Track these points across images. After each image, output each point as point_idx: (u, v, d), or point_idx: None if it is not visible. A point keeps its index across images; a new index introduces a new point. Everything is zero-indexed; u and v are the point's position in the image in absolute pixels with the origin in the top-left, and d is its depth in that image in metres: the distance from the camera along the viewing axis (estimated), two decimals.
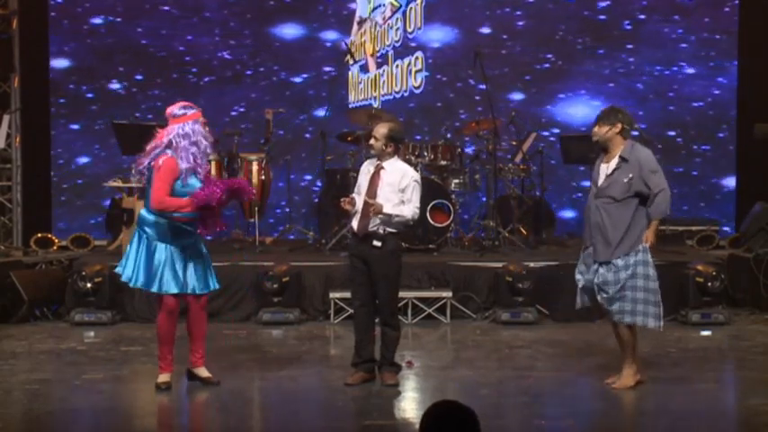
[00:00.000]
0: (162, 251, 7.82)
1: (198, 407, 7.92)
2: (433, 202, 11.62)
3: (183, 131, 7.85)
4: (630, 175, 7.84)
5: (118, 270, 8.01)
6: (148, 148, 7.98)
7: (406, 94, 13.74)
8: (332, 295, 10.78)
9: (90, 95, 13.67)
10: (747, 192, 13.21)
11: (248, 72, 13.75)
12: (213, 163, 12.01)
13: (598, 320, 9.73)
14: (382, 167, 8.17)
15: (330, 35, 13.81)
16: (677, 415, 7.59)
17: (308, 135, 13.59)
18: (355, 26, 13.82)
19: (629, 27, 13.70)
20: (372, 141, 8.23)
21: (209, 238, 8.51)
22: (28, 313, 10.83)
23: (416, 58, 13.65)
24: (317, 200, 12.95)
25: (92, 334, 10.32)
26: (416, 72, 13.66)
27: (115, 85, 13.66)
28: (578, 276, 8.11)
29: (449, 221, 11.78)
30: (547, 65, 13.75)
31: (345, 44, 13.42)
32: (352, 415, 7.72)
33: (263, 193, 12.26)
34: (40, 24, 13.40)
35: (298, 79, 13.79)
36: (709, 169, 13.84)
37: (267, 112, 12.60)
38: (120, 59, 13.63)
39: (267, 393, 8.35)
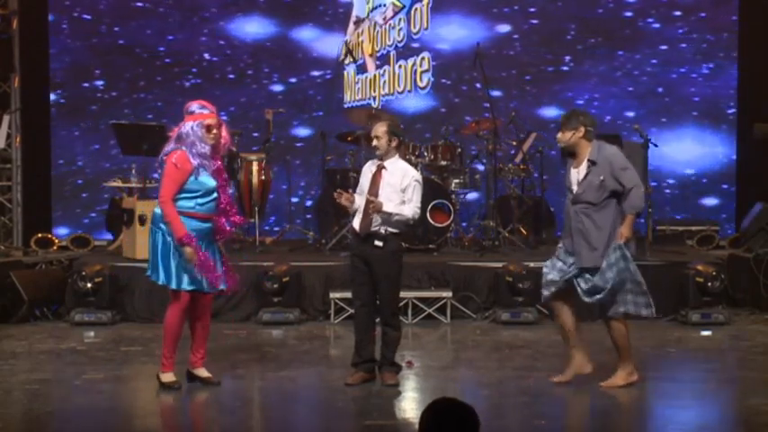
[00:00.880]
0: (176, 248, 7.81)
1: (198, 407, 7.91)
2: (433, 202, 11.62)
3: (185, 130, 7.85)
4: (602, 177, 7.84)
5: (147, 274, 8.03)
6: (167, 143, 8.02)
7: (410, 94, 13.72)
8: (332, 295, 10.78)
9: (90, 95, 13.65)
10: (747, 192, 13.21)
11: (249, 72, 13.74)
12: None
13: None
14: (384, 167, 8.17)
15: (330, 35, 13.80)
16: (677, 415, 7.59)
17: (308, 135, 13.57)
18: (352, 26, 13.80)
19: (629, 27, 13.69)
20: (375, 142, 8.21)
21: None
22: (28, 313, 10.82)
23: (422, 58, 13.64)
24: (316, 200, 12.95)
25: (92, 334, 10.32)
26: (422, 73, 13.64)
27: (115, 85, 13.64)
28: (545, 270, 8.10)
29: (449, 221, 11.79)
30: (547, 66, 13.73)
31: (345, 44, 13.42)
32: (352, 415, 7.72)
33: (263, 193, 12.26)
34: (40, 24, 13.40)
35: (298, 79, 13.77)
36: (710, 169, 13.83)
37: (267, 112, 12.60)
38: (121, 59, 13.62)
39: (267, 393, 8.35)
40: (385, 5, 13.71)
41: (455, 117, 13.30)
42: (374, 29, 13.77)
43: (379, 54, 13.75)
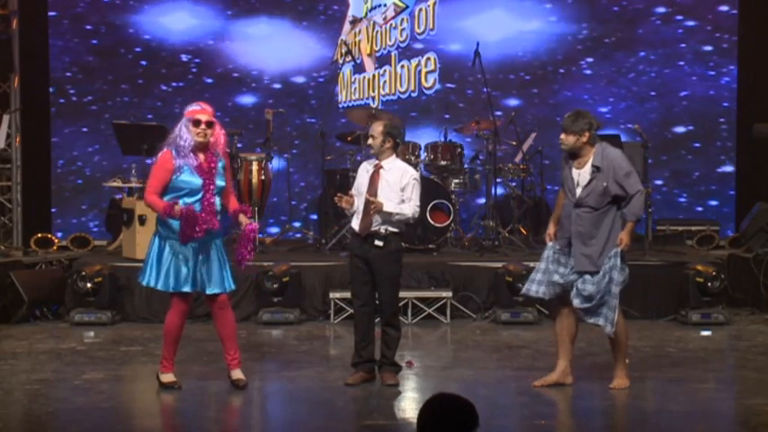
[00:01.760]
0: (171, 249, 7.79)
1: (198, 407, 7.91)
2: (433, 202, 11.63)
3: (177, 127, 7.87)
4: (605, 184, 7.81)
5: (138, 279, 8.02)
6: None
7: (414, 95, 13.70)
8: (332, 295, 10.78)
9: (90, 95, 13.65)
10: (747, 192, 13.21)
11: (249, 72, 13.74)
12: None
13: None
14: (381, 167, 8.17)
15: (329, 35, 13.80)
16: (677, 415, 7.59)
17: (307, 135, 13.57)
18: (347, 25, 13.78)
19: (628, 27, 13.68)
20: (370, 140, 8.23)
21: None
22: (28, 313, 10.82)
23: (428, 58, 13.63)
24: (317, 200, 12.95)
25: (92, 334, 10.32)
26: (427, 73, 13.63)
27: (115, 85, 13.64)
28: (540, 276, 8.05)
29: (449, 221, 11.79)
30: (548, 66, 13.73)
31: (345, 44, 13.42)
32: (352, 415, 7.72)
33: (263, 193, 12.26)
34: (40, 24, 13.39)
35: (297, 79, 13.77)
36: (709, 169, 13.83)
37: (267, 112, 12.61)
38: (121, 59, 13.62)
39: (267, 393, 8.35)
40: (385, 5, 13.70)
41: (461, 118, 13.30)
42: (373, 29, 13.76)
43: (378, 54, 13.74)
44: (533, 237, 12.40)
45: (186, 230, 7.71)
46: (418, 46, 13.67)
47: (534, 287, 8.11)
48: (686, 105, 13.74)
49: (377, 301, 8.23)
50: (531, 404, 7.84)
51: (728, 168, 13.77)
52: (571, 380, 8.14)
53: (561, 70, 13.72)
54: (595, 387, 8.16)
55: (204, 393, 8.07)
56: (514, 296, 10.68)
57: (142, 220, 11.13)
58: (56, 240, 12.68)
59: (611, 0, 13.70)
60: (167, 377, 8.02)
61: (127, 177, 12.44)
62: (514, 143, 12.69)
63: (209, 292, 7.88)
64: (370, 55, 13.78)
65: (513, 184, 12.62)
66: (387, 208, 8.02)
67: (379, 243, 8.06)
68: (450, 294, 10.85)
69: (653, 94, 13.71)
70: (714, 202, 13.82)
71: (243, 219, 7.97)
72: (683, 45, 13.70)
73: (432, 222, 11.63)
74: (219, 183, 7.84)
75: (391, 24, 13.69)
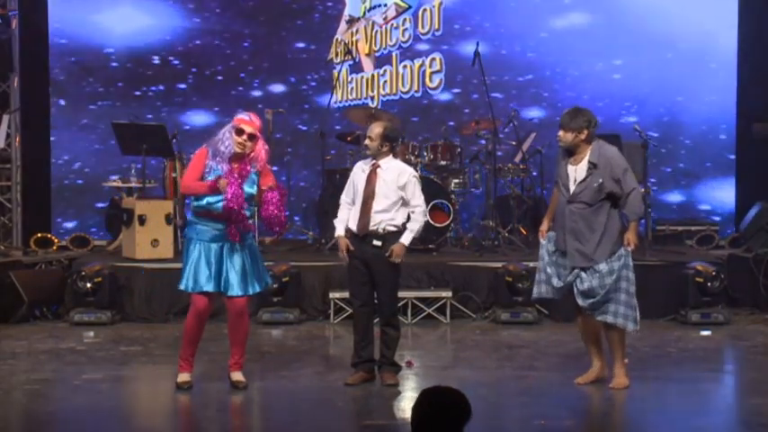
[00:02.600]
0: (195, 250, 7.81)
1: (198, 407, 7.91)
2: (433, 202, 11.63)
3: (221, 130, 7.90)
4: (600, 180, 7.83)
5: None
6: None
7: (417, 95, 13.69)
8: (332, 295, 10.78)
9: (90, 95, 13.64)
10: (747, 192, 13.21)
11: (249, 72, 13.73)
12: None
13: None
14: (379, 166, 8.17)
15: (328, 34, 13.79)
16: (677, 415, 7.59)
17: (308, 135, 13.56)
18: (344, 25, 13.77)
19: (628, 27, 13.68)
20: (367, 141, 8.23)
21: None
22: (28, 313, 10.82)
23: (432, 59, 13.62)
24: (317, 200, 12.95)
25: (91, 334, 10.32)
26: (432, 73, 13.62)
27: (115, 85, 13.63)
28: (541, 276, 8.08)
29: (449, 221, 11.79)
30: (547, 66, 13.73)
31: (345, 43, 13.42)
32: (352, 415, 7.73)
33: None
34: (40, 24, 13.39)
35: (297, 79, 13.77)
36: (709, 169, 13.82)
37: (267, 112, 12.60)
38: (121, 59, 13.61)
39: (267, 393, 8.35)
40: (386, 5, 13.69)
41: (465, 118, 13.30)
42: (372, 28, 13.75)
43: (378, 54, 13.73)
44: (533, 237, 12.39)
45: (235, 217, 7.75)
46: (423, 47, 13.65)
47: (543, 289, 8.14)
48: (686, 105, 13.73)
49: (375, 301, 8.23)
50: (531, 404, 7.84)
51: (728, 168, 13.76)
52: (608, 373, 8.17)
53: (562, 69, 13.71)
54: (595, 387, 8.16)
55: (204, 393, 8.07)
56: (514, 296, 10.69)
57: (142, 220, 11.13)
58: (55, 240, 12.68)
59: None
60: (181, 377, 8.03)
61: (127, 177, 12.44)
62: (514, 143, 12.69)
63: (230, 294, 7.88)
64: (368, 55, 13.77)
65: (513, 183, 12.61)
66: (405, 241, 8.05)
67: (377, 243, 8.06)
68: (449, 294, 10.86)
69: (652, 94, 13.69)
70: (714, 202, 13.81)
71: (269, 185, 7.96)
72: (683, 45, 13.68)
73: (432, 222, 11.63)
74: (248, 190, 7.83)
75: (392, 24, 13.68)
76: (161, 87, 13.64)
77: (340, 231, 8.22)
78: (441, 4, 13.54)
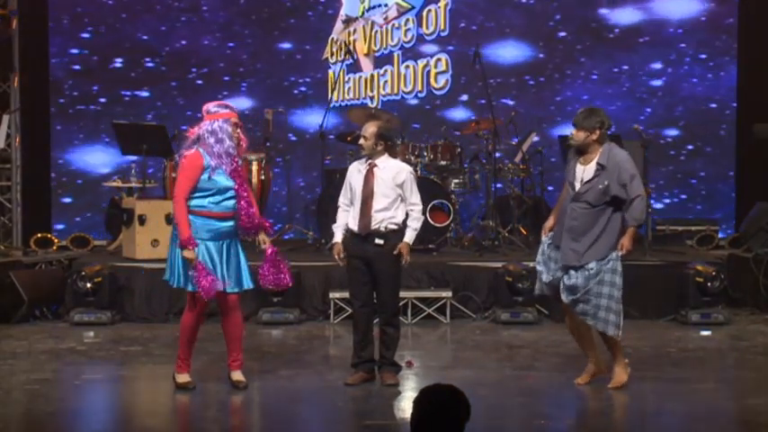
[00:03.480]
0: (197, 248, 7.80)
1: (198, 407, 7.91)
2: (433, 202, 11.62)
3: (211, 128, 7.85)
4: (606, 182, 7.82)
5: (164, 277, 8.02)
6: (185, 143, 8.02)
7: (422, 95, 13.69)
8: (332, 295, 10.78)
9: (90, 95, 13.64)
10: (747, 192, 13.20)
11: (249, 71, 13.73)
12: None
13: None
14: (375, 165, 8.17)
15: (326, 34, 13.79)
16: (677, 415, 7.59)
17: (307, 135, 13.56)
18: (340, 24, 13.75)
19: (628, 27, 13.68)
20: (362, 141, 8.24)
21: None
22: (28, 313, 10.82)
23: (438, 59, 13.61)
24: (316, 200, 12.94)
25: (91, 334, 10.31)
26: (438, 74, 13.62)
27: (115, 85, 13.63)
28: (540, 268, 8.10)
29: (449, 221, 11.79)
30: (547, 65, 13.73)
31: (345, 43, 13.41)
32: (352, 415, 7.73)
33: (263, 193, 12.26)
34: (40, 24, 13.39)
35: (297, 79, 13.77)
36: (709, 169, 13.82)
37: (267, 112, 12.60)
38: (121, 59, 13.62)
39: (267, 393, 8.35)
40: (386, 5, 13.68)
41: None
42: (371, 28, 13.74)
43: (379, 54, 13.72)
44: (533, 237, 12.39)
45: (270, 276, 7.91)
46: (428, 47, 13.63)
47: (538, 285, 8.17)
48: (686, 105, 13.73)
49: (375, 301, 8.23)
50: (531, 404, 7.85)
51: (728, 168, 13.77)
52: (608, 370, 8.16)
53: (562, 69, 13.71)
54: (595, 387, 8.15)
55: (204, 393, 8.07)
56: (514, 296, 10.68)
57: (142, 220, 11.13)
58: (55, 240, 12.68)
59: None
60: (181, 378, 8.02)
61: (127, 177, 12.44)
62: (514, 143, 12.69)
63: (229, 290, 7.88)
64: (367, 55, 13.76)
65: (513, 184, 12.61)
66: (409, 240, 8.08)
67: (379, 242, 8.07)
68: (449, 294, 10.85)
69: (653, 93, 13.70)
70: (714, 202, 13.82)
71: (263, 238, 8.00)
72: (683, 45, 13.69)
73: (432, 222, 11.63)
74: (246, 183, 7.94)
75: (394, 24, 13.67)
76: (160, 88, 13.64)
77: (337, 238, 8.24)
78: (447, 5, 13.54)
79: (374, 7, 13.73)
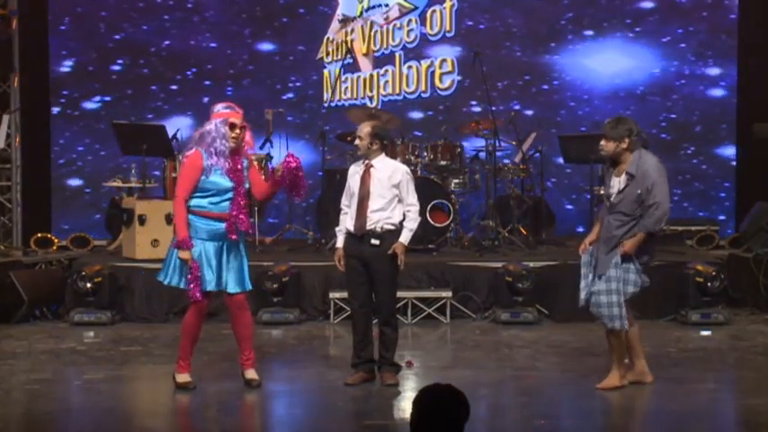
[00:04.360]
0: (195, 250, 7.79)
1: (198, 407, 7.91)
2: (433, 202, 11.62)
3: (208, 128, 7.87)
4: (638, 191, 7.79)
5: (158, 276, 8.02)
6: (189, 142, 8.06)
7: (425, 95, 13.67)
8: (332, 295, 10.78)
9: (90, 95, 13.64)
10: (747, 192, 13.20)
11: (249, 71, 13.73)
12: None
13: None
14: (372, 165, 8.18)
15: (325, 34, 13.79)
16: (677, 415, 7.59)
17: (307, 135, 13.56)
18: (336, 24, 13.75)
19: (628, 26, 13.68)
20: (357, 141, 8.25)
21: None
22: (28, 313, 10.82)
23: (443, 60, 13.60)
24: (316, 200, 12.94)
25: (91, 334, 10.32)
26: (443, 74, 13.60)
27: (115, 85, 13.64)
28: (582, 284, 8.05)
29: (448, 221, 11.79)
30: (546, 65, 13.72)
31: (344, 43, 13.41)
32: (352, 415, 7.73)
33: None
34: (40, 24, 13.39)
35: (297, 79, 13.77)
36: (709, 169, 13.83)
37: (267, 112, 12.60)
38: (121, 59, 13.62)
39: (267, 393, 8.35)
40: (386, 5, 13.67)
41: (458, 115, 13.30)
42: (371, 28, 13.72)
43: (379, 54, 13.72)
44: (533, 237, 12.40)
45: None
46: (432, 47, 13.62)
47: (583, 295, 8.07)
48: (686, 105, 13.73)
49: (373, 301, 8.23)
50: (531, 404, 7.84)
51: (728, 168, 13.76)
52: (650, 378, 8.12)
53: (562, 69, 13.71)
54: (595, 387, 8.14)
55: (204, 393, 8.07)
56: (514, 296, 10.69)
57: (142, 220, 11.13)
58: (55, 240, 12.68)
59: None
60: (182, 377, 8.02)
61: (127, 177, 12.44)
62: (514, 143, 12.68)
63: (230, 291, 7.89)
64: (366, 55, 13.75)
65: (513, 184, 12.60)
66: (405, 240, 8.06)
67: (375, 242, 8.06)
68: (449, 294, 10.85)
69: (653, 93, 13.69)
70: (714, 202, 13.81)
71: (278, 167, 8.02)
72: (683, 45, 13.69)
73: (431, 222, 11.62)
74: (246, 184, 7.92)
75: (395, 24, 13.66)
76: (160, 87, 13.65)
77: (339, 243, 8.25)
78: (453, 6, 13.53)
79: (374, 7, 13.72)
